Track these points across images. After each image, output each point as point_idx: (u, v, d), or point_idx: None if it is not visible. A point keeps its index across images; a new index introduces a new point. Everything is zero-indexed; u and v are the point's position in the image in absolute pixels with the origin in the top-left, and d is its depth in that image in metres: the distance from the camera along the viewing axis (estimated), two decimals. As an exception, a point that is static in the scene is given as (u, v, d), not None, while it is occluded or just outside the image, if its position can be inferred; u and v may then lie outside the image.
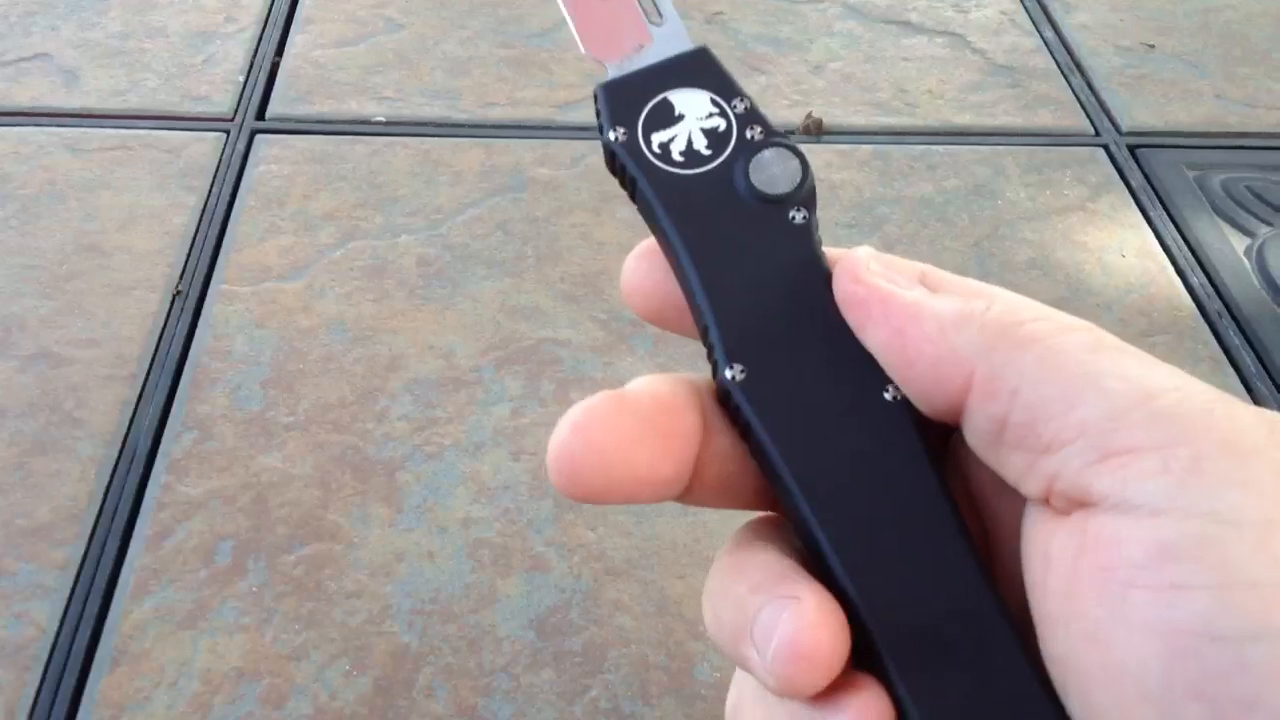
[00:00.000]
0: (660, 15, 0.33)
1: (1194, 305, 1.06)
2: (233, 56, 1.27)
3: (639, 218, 0.32)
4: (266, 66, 1.27)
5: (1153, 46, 1.37)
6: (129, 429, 0.90)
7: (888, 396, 0.28)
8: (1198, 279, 1.08)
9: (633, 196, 0.31)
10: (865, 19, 1.41)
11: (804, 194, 0.30)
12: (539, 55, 1.31)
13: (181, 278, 1.02)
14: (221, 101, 1.21)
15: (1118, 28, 1.41)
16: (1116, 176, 1.19)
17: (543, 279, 1.06)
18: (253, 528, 0.84)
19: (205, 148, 1.16)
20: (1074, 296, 1.06)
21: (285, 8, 1.36)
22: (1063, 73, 1.34)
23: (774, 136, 0.31)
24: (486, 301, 1.03)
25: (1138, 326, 1.04)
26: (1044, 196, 1.17)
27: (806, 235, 0.30)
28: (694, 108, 0.31)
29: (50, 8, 1.33)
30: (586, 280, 1.06)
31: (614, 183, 0.32)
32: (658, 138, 0.31)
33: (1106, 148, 1.23)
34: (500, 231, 1.10)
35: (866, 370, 0.28)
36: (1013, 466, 0.26)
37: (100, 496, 0.86)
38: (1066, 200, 1.16)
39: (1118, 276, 1.08)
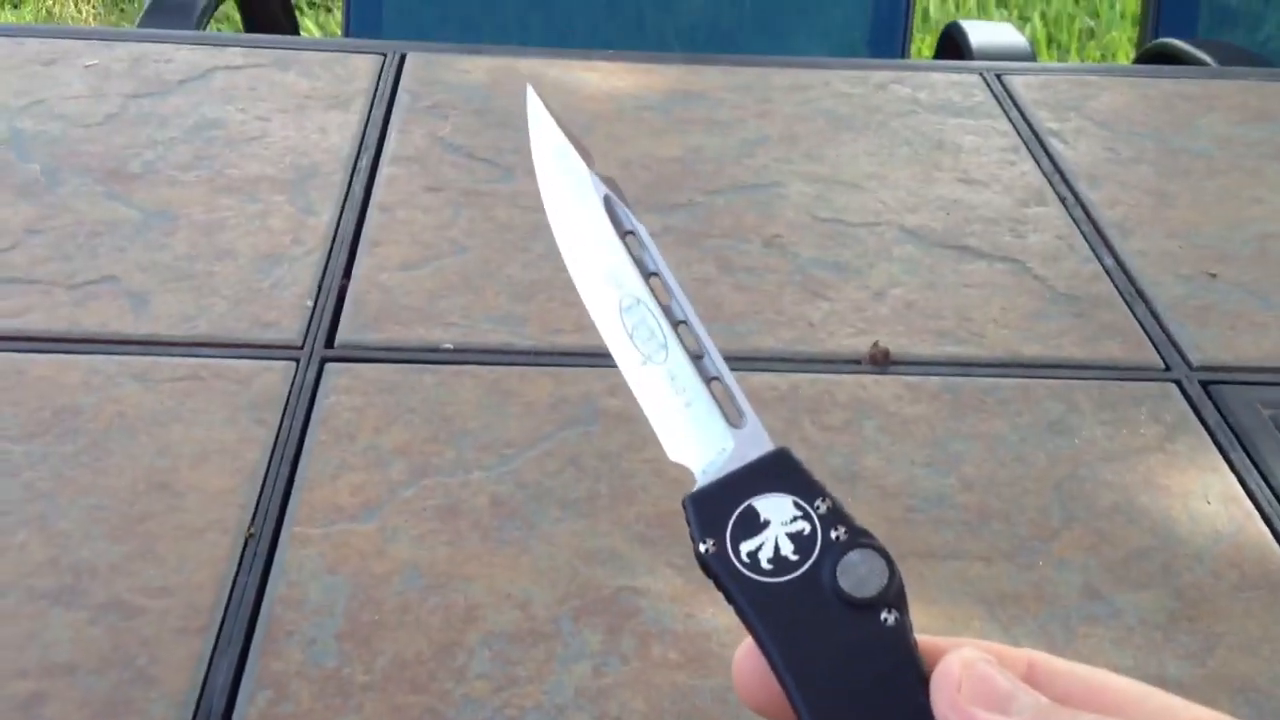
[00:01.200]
0: (741, 416, 0.35)
1: (1285, 556, 1.04)
2: (301, 280, 1.28)
3: None
4: (334, 290, 1.27)
5: (1215, 275, 1.37)
6: (203, 688, 0.87)
7: None
8: (1285, 527, 1.06)
9: (728, 600, 0.33)
10: (923, 243, 1.42)
11: (893, 594, 0.31)
12: (604, 280, 1.31)
13: (254, 519, 1.01)
14: (290, 327, 1.22)
15: (1176, 255, 1.42)
16: (1192, 414, 1.18)
17: (618, 520, 1.04)
18: (332, 804, 0.81)
19: (275, 378, 1.15)
20: (1163, 546, 1.04)
21: (351, 229, 1.37)
22: (1126, 302, 1.34)
23: (858, 536, 0.32)
24: (561, 544, 1.01)
25: (1230, 580, 1.01)
26: (1121, 436, 1.15)
27: (900, 637, 0.31)
28: (778, 513, 0.33)
29: (116, 228, 1.35)
30: (661, 521, 1.04)
31: None
32: (746, 547, 0.33)
33: (1179, 383, 1.22)
34: (572, 467, 1.09)
35: None
36: None
37: (173, 767, 0.82)
38: (1144, 440, 1.15)
39: (1205, 524, 1.06)
